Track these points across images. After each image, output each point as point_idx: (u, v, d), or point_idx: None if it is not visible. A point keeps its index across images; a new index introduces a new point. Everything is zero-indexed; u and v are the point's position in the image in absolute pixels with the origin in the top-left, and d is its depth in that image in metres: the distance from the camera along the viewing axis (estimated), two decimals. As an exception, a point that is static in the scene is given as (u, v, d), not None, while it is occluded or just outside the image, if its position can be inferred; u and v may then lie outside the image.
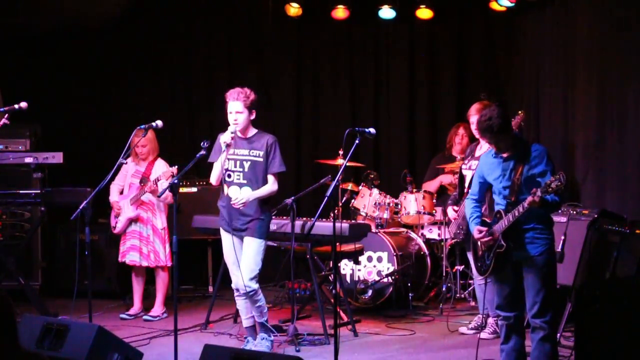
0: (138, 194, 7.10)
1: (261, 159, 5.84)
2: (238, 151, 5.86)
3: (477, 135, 6.56)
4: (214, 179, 5.91)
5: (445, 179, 8.01)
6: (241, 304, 5.99)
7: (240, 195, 5.78)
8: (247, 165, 5.84)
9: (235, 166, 5.85)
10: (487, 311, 6.40)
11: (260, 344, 5.90)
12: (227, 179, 5.86)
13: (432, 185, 8.12)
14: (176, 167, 6.59)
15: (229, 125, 5.83)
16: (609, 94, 6.92)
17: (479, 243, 5.00)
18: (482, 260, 4.96)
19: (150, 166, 7.22)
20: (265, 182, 5.86)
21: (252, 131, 5.94)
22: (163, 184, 6.61)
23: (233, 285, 5.95)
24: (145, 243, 7.17)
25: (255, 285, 5.82)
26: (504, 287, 4.93)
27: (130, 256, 7.19)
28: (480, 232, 4.90)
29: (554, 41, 7.89)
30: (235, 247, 5.86)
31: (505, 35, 9.01)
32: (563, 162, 7.43)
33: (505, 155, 4.86)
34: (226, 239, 5.93)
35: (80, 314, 6.38)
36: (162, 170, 7.02)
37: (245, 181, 5.83)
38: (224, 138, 5.76)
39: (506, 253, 4.78)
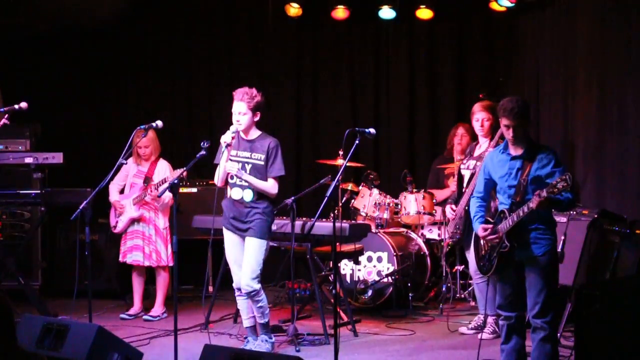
0: (142, 194, 7.09)
1: (262, 162, 5.81)
2: (240, 153, 5.84)
3: (479, 133, 6.57)
4: (217, 180, 5.87)
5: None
6: (242, 303, 5.98)
7: (240, 171, 5.74)
8: (248, 167, 5.82)
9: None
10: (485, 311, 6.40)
11: (260, 345, 5.88)
12: (229, 180, 5.86)
13: (440, 194, 8.04)
14: (184, 169, 6.53)
15: (229, 124, 5.81)
16: (609, 94, 6.92)
17: (481, 242, 4.99)
18: (485, 259, 4.96)
19: (152, 166, 7.21)
20: None
21: (256, 133, 5.91)
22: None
23: (234, 285, 5.95)
24: (147, 243, 7.17)
25: (257, 286, 5.81)
26: (506, 287, 4.93)
27: (133, 256, 7.19)
28: (485, 229, 4.89)
29: (554, 41, 7.89)
30: (237, 246, 5.87)
31: (505, 35, 8.99)
32: (563, 163, 7.41)
33: (514, 153, 4.85)
34: (228, 237, 5.94)
35: (80, 314, 6.38)
36: (165, 171, 7.03)
37: (246, 184, 5.81)
38: (225, 138, 5.74)
39: (510, 253, 4.78)
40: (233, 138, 5.76)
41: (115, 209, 7.26)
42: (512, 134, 4.81)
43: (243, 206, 5.82)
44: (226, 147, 5.72)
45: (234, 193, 5.85)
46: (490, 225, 4.89)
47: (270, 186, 5.83)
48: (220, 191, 5.91)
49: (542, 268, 4.77)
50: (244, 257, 5.84)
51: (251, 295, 5.82)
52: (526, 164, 4.79)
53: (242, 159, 5.84)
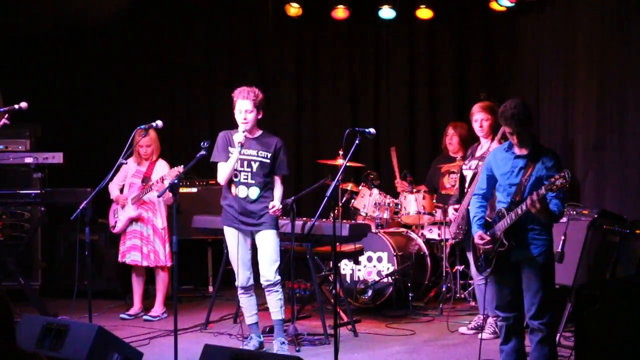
0: (140, 194, 7.10)
1: (268, 160, 5.86)
2: (245, 151, 5.83)
3: (479, 134, 6.56)
4: (222, 178, 5.87)
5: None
6: (245, 301, 5.97)
7: (277, 204, 5.80)
8: (255, 165, 5.83)
9: (243, 166, 5.83)
10: (486, 311, 6.40)
11: (281, 349, 5.84)
12: (234, 178, 5.86)
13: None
14: (182, 166, 6.55)
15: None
16: (609, 94, 6.91)
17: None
18: (482, 259, 4.95)
19: (151, 166, 7.22)
20: (269, 182, 5.88)
21: (258, 131, 5.95)
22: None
23: (238, 284, 5.92)
24: (145, 243, 7.17)
25: (278, 277, 5.86)
26: (504, 287, 4.92)
27: (131, 256, 7.19)
28: (482, 238, 4.88)
29: (554, 41, 7.89)
30: (243, 244, 5.87)
31: (505, 35, 9.00)
32: (563, 162, 7.40)
33: (518, 152, 4.85)
34: (233, 235, 5.89)
35: (80, 314, 6.38)
36: (163, 170, 7.03)
37: (253, 181, 5.83)
38: (238, 138, 5.75)
39: (507, 252, 4.77)
40: (245, 137, 5.78)
41: (119, 203, 7.25)
42: (517, 140, 4.80)
43: (251, 203, 5.83)
44: (240, 147, 5.74)
45: (240, 191, 5.84)
46: (488, 238, 4.86)
47: (280, 186, 5.92)
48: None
49: (539, 269, 4.76)
50: (263, 250, 5.85)
51: (273, 287, 5.84)
52: (529, 164, 4.78)
53: (248, 157, 5.84)
